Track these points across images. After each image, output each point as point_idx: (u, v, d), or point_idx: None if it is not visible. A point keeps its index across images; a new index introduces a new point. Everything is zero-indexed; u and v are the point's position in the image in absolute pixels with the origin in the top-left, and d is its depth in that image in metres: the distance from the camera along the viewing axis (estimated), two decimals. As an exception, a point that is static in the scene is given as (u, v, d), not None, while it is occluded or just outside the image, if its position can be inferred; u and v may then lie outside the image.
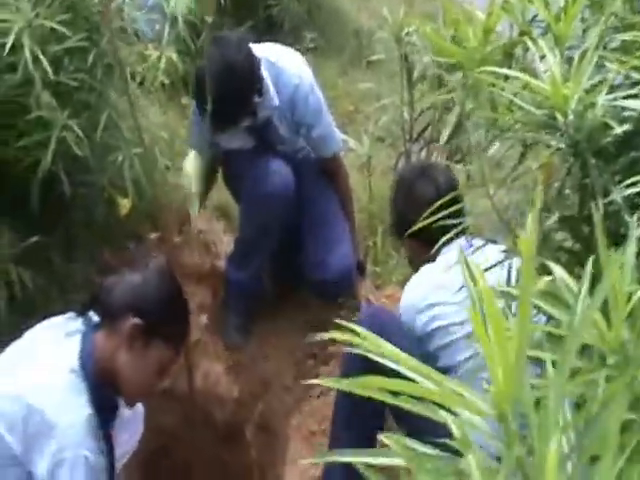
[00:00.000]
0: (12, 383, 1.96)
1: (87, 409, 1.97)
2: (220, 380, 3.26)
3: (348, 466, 1.64)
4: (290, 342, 3.30)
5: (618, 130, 1.29)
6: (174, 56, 3.55)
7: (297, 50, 3.29)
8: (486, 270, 1.63)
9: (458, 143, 3.53)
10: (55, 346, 2.04)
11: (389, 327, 2.51)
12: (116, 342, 2.06)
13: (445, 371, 2.35)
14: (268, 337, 3.33)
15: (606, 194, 1.29)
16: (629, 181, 1.24)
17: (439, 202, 1.64)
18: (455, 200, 1.70)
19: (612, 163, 1.35)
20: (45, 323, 2.13)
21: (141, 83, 3.41)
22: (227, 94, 2.76)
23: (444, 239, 1.60)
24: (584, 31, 1.42)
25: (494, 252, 1.68)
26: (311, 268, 3.18)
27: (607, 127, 1.31)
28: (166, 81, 3.52)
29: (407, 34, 3.42)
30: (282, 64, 3.00)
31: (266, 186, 3.00)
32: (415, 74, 3.50)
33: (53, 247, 3.05)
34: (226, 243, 3.62)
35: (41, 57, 2.43)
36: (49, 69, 2.54)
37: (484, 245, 1.64)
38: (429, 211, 1.63)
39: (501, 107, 1.57)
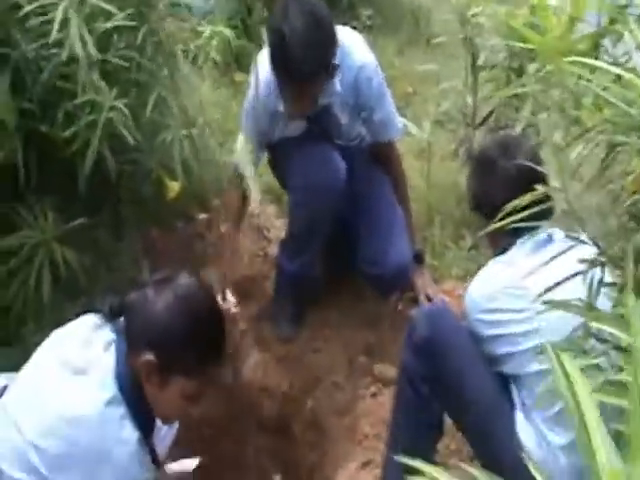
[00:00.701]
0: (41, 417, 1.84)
1: (134, 433, 1.85)
2: (269, 372, 3.18)
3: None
4: (343, 336, 3.17)
5: None
6: (227, 31, 3.44)
7: (353, 28, 3.11)
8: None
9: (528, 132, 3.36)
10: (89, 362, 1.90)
11: (452, 321, 2.42)
12: (134, 363, 1.90)
13: (512, 377, 2.25)
14: (320, 329, 3.20)
15: None
16: None
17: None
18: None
19: None
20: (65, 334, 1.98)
21: (194, 60, 3.31)
22: (317, 46, 2.62)
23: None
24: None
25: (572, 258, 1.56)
26: (366, 263, 3.02)
27: None
28: (218, 58, 3.41)
29: (473, 15, 3.24)
30: (347, 45, 2.82)
31: (315, 177, 2.84)
32: (481, 58, 3.33)
33: (100, 227, 3.00)
34: (278, 228, 3.52)
35: (87, 36, 2.31)
36: (93, 49, 2.46)
37: (566, 248, 1.51)
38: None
39: (586, 103, 1.42)
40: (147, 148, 2.86)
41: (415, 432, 2.39)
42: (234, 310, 3.00)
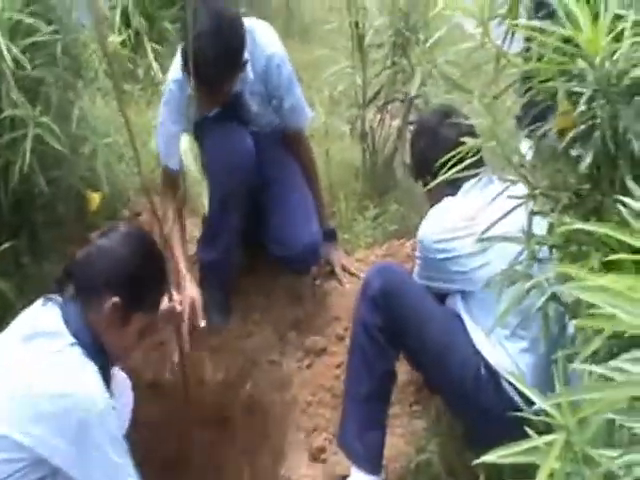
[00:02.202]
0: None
1: (96, 374, 1.98)
2: (205, 364, 3.25)
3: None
4: (272, 316, 3.30)
5: (636, 72, 1.35)
6: (118, 40, 3.48)
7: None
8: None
9: (416, 103, 3.57)
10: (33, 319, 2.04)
11: (401, 274, 2.66)
12: (96, 315, 2.04)
13: (462, 295, 2.48)
14: (249, 314, 3.32)
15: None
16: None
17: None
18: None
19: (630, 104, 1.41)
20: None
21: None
22: (226, 50, 2.74)
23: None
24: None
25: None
26: (276, 244, 3.18)
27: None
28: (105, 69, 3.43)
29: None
30: (257, 36, 2.96)
31: (225, 157, 2.94)
32: (366, 39, 3.51)
33: (22, 251, 3.00)
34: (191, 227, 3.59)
35: (13, 49, 2.34)
36: (10, 64, 2.47)
37: (505, 187, 1.72)
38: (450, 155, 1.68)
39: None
40: (69, 163, 2.90)
41: (374, 380, 2.57)
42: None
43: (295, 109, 3.16)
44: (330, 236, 3.38)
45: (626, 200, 1.24)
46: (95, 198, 2.96)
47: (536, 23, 1.45)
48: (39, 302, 2.09)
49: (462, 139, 1.74)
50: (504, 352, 2.36)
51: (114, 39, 3.48)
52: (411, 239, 3.45)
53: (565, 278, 1.58)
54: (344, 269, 3.39)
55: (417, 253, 2.64)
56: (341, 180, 3.87)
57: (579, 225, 1.39)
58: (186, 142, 2.36)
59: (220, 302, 3.28)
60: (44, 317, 2.03)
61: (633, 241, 1.12)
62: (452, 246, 2.44)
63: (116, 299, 2.02)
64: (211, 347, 3.25)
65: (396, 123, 3.81)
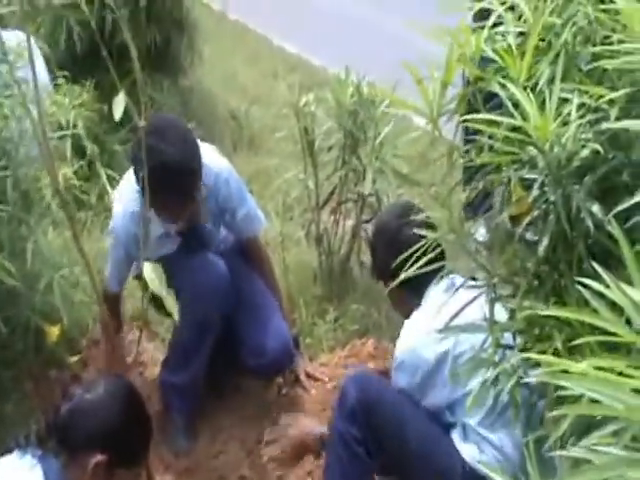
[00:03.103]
0: None
1: None
2: None
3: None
4: (238, 432, 3.20)
5: (584, 153, 1.40)
6: (70, 172, 3.49)
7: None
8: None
9: (370, 202, 3.62)
10: None
11: (377, 382, 2.63)
12: (79, 473, 1.94)
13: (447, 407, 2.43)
14: (216, 434, 3.22)
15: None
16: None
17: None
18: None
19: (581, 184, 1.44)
20: None
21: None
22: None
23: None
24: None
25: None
26: (252, 355, 3.12)
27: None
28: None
29: (305, 105, 3.49)
30: (202, 154, 2.93)
31: (202, 284, 2.95)
32: (316, 143, 3.58)
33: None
34: (151, 350, 3.52)
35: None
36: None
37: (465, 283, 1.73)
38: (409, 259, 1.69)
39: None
40: (25, 298, 2.84)
41: None
42: None
43: (249, 216, 3.17)
44: (294, 343, 3.34)
45: (586, 282, 1.25)
46: (54, 331, 2.88)
47: (485, 116, 1.49)
48: (15, 455, 1.97)
49: (422, 233, 1.75)
50: (487, 445, 2.34)
51: (66, 171, 3.46)
52: (372, 338, 3.48)
53: (532, 363, 1.60)
54: (308, 375, 3.35)
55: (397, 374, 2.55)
56: (299, 285, 3.86)
57: (545, 312, 1.40)
58: (149, 269, 2.37)
59: (186, 427, 3.19)
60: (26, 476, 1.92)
61: (596, 322, 1.14)
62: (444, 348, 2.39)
63: (101, 457, 1.93)
64: (180, 471, 3.11)
65: (350, 223, 3.84)
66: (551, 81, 1.44)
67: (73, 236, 2.26)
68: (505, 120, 1.42)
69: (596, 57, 1.46)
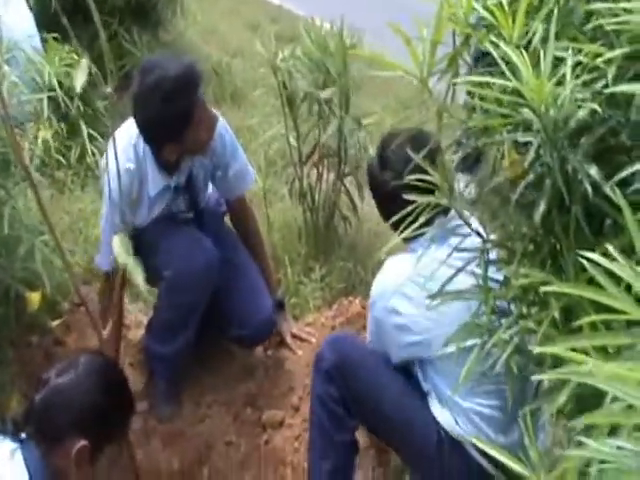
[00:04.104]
0: None
1: None
2: (159, 456, 3.06)
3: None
4: (224, 396, 3.16)
5: (581, 114, 1.33)
6: (48, 134, 3.40)
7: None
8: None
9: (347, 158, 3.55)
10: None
11: (353, 345, 2.60)
12: (62, 461, 1.88)
13: (419, 364, 2.38)
14: (201, 397, 3.17)
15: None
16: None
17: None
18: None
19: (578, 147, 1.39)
20: None
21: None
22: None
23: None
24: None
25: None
26: (235, 327, 3.09)
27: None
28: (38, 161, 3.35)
29: (282, 60, 3.39)
30: None
31: (190, 262, 2.86)
32: (297, 100, 3.48)
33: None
34: (133, 312, 3.49)
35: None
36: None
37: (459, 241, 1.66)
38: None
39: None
40: (5, 265, 2.77)
41: (338, 454, 2.52)
42: None
43: (241, 172, 3.08)
44: (279, 306, 3.27)
45: (589, 255, 1.18)
46: (35, 297, 2.81)
47: (477, 77, 1.43)
48: None
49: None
50: (463, 415, 2.30)
51: (44, 133, 3.38)
52: (359, 296, 3.42)
53: (528, 330, 1.55)
54: (294, 337, 3.30)
55: (369, 316, 2.52)
56: (284, 243, 3.80)
57: (545, 288, 1.33)
58: (118, 243, 2.29)
59: (170, 393, 3.14)
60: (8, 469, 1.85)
61: (602, 299, 1.08)
62: (406, 310, 2.32)
63: (83, 442, 1.87)
64: (164, 437, 3.07)
65: (332, 177, 3.75)
66: (545, 39, 1.37)
67: (38, 203, 2.16)
68: (498, 81, 1.35)
69: (590, 14, 1.40)
